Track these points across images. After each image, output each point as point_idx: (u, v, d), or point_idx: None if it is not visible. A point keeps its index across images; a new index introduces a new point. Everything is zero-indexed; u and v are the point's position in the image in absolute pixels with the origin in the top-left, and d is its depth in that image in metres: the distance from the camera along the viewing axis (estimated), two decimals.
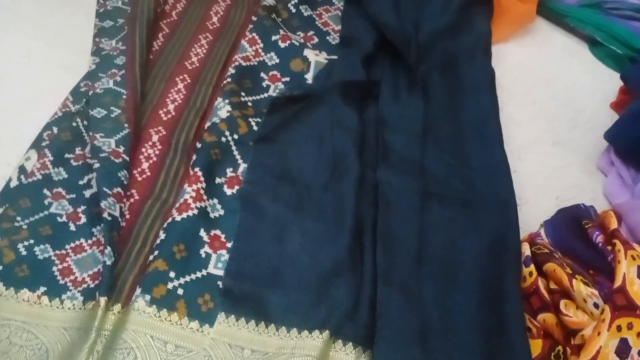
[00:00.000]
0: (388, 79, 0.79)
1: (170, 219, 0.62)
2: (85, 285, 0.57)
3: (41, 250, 0.59)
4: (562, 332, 0.54)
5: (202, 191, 0.65)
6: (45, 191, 0.64)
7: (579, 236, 0.60)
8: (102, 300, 0.54)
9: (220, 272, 0.59)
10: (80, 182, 0.65)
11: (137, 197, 0.66)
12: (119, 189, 0.64)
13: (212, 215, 0.64)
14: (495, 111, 0.74)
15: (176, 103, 0.77)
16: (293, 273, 0.59)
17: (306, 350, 0.53)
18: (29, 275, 0.57)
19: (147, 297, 0.56)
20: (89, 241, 0.61)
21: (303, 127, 0.73)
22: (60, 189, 0.64)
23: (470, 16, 0.87)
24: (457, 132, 0.71)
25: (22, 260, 0.58)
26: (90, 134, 0.68)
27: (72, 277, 0.58)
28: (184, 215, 0.62)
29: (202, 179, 0.66)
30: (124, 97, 0.73)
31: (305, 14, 0.90)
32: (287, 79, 0.81)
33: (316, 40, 0.87)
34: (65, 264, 0.58)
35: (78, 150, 0.68)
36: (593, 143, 0.75)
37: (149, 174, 0.68)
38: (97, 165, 0.64)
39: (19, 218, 0.61)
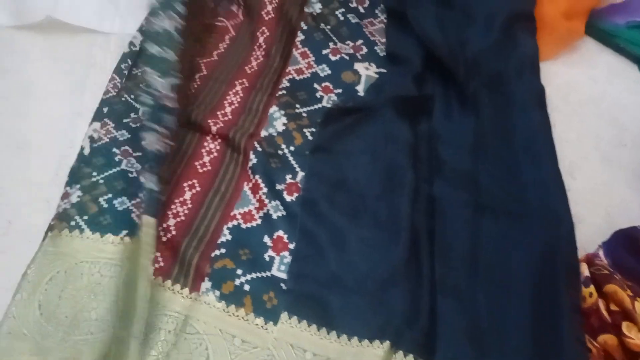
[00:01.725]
0: (439, 95, 0.81)
1: (235, 222, 0.66)
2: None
3: (119, 202, 0.66)
4: (624, 354, 0.55)
5: (264, 197, 0.69)
6: (115, 149, 0.72)
7: (638, 258, 0.61)
8: (152, 220, 0.62)
9: (283, 275, 0.63)
10: (143, 142, 0.71)
11: (198, 189, 0.71)
12: (162, 129, 0.70)
13: (274, 216, 0.68)
14: (546, 127, 0.75)
15: (233, 106, 0.81)
16: (351, 278, 0.62)
17: (367, 359, 0.55)
18: (112, 222, 0.64)
19: (217, 292, 0.61)
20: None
21: (357, 140, 0.76)
22: (127, 147, 0.72)
23: (515, 34, 0.88)
24: (509, 149, 0.73)
25: (105, 212, 0.65)
26: (146, 68, 0.73)
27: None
28: (249, 225, 0.66)
29: (262, 185, 0.70)
30: (181, 47, 0.77)
31: (353, 22, 0.93)
32: (340, 90, 0.84)
33: (365, 50, 0.90)
34: (141, 210, 0.65)
35: (133, 115, 0.76)
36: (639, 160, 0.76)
37: (209, 167, 0.73)
38: (149, 100, 0.71)
39: (94, 173, 0.69)
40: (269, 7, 0.92)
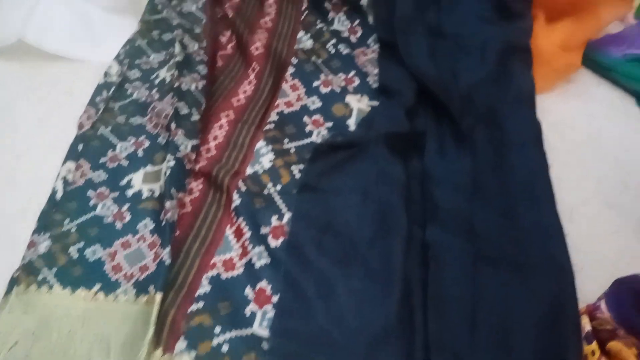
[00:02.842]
0: (432, 131, 0.78)
1: (215, 271, 0.62)
2: (135, 279, 0.61)
3: (92, 251, 0.64)
4: None
5: (247, 243, 0.64)
6: (90, 193, 0.68)
7: None
8: (158, 296, 0.58)
9: (265, 332, 0.58)
10: (121, 183, 0.69)
11: (177, 232, 0.66)
12: (182, 195, 0.67)
13: (257, 265, 0.64)
14: (544, 168, 0.72)
15: (218, 141, 0.77)
16: (340, 334, 0.57)
17: None
18: (83, 274, 0.61)
19: (193, 353, 0.56)
20: (135, 236, 0.65)
21: (347, 178, 0.72)
22: (103, 188, 0.70)
23: (510, 67, 0.85)
24: (506, 191, 0.70)
25: (75, 263, 0.61)
26: (173, 126, 0.73)
27: (123, 273, 0.61)
28: (229, 275, 0.62)
29: (245, 229, 0.66)
30: (202, 107, 0.78)
31: (344, 53, 0.90)
32: (330, 124, 0.80)
33: (357, 82, 0.87)
34: (115, 262, 0.63)
35: (110, 153, 0.74)
36: None
37: (190, 208, 0.69)
38: (172, 163, 0.69)
39: (67, 220, 0.65)
40: (258, 44, 0.89)
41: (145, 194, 0.69)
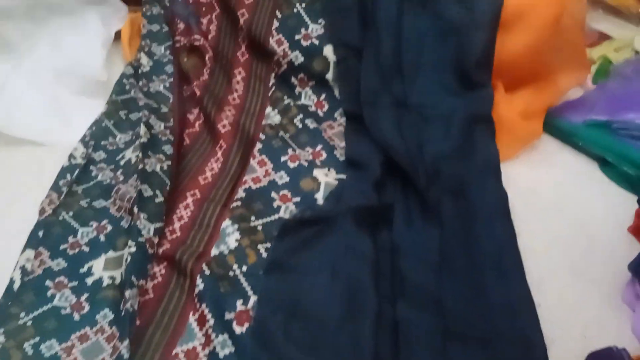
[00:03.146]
0: (400, 203, 0.78)
1: None
2: None
3: (47, 347, 0.61)
4: None
5: (210, 331, 0.62)
6: (48, 283, 0.66)
7: None
8: None
9: None
10: (81, 271, 0.67)
11: (138, 322, 0.64)
12: (143, 282, 0.65)
13: (221, 354, 0.61)
14: (512, 240, 0.72)
15: (183, 221, 0.77)
16: None
17: None
18: None
19: None
20: (94, 329, 0.63)
21: (315, 255, 0.71)
22: (62, 278, 0.68)
23: (474, 137, 0.87)
24: (474, 264, 0.69)
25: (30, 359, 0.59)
26: (136, 210, 0.71)
27: None
28: None
29: (209, 316, 0.64)
30: (167, 188, 0.77)
31: (311, 127, 0.91)
32: (298, 199, 0.80)
33: (324, 156, 0.87)
34: (71, 356, 0.60)
35: (71, 239, 0.72)
36: (613, 272, 0.72)
37: (152, 295, 0.67)
38: (133, 249, 0.67)
39: (22, 314, 0.63)
40: (225, 121, 0.90)
41: (105, 282, 0.67)
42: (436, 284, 0.68)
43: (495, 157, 0.84)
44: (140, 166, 0.77)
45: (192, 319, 0.64)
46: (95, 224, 0.74)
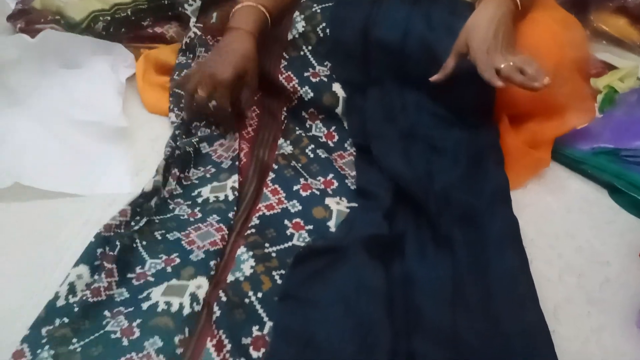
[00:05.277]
0: (411, 233, 0.79)
1: None
2: None
3: None
4: None
5: (227, 355, 0.63)
6: (106, 312, 0.67)
7: None
8: None
9: None
10: (140, 297, 0.68)
11: None
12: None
13: None
14: (524, 267, 0.72)
15: None
16: None
17: None
18: None
19: None
20: (140, 354, 0.62)
21: (328, 288, 0.70)
22: (121, 308, 0.68)
23: (483, 165, 0.88)
24: (487, 295, 0.69)
25: None
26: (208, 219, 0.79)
27: None
28: None
29: (226, 342, 0.64)
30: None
31: (322, 156, 0.93)
32: (311, 226, 0.81)
33: (336, 184, 0.89)
34: None
35: (139, 270, 0.73)
36: (628, 300, 0.72)
37: None
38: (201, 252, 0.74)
39: (74, 340, 0.64)
40: (241, 154, 0.93)
41: (160, 307, 0.68)
42: (452, 318, 0.67)
43: (504, 184, 0.85)
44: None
45: (209, 345, 0.64)
46: (164, 257, 0.75)
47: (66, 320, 0.66)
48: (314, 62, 0.98)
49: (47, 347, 0.63)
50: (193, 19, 1.16)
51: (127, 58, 1.14)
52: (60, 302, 0.68)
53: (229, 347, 0.64)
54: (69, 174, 0.89)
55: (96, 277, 0.71)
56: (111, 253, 0.73)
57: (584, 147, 0.96)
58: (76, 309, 0.67)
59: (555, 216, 0.85)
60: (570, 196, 0.89)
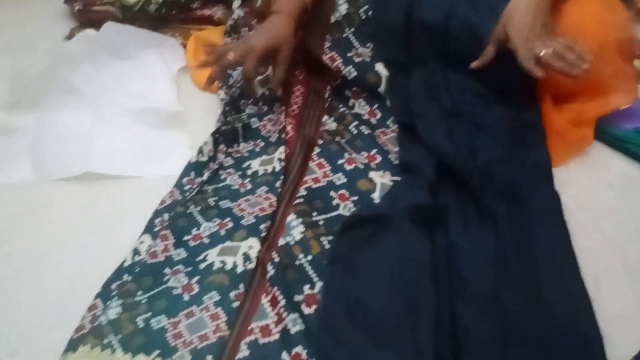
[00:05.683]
0: (455, 207, 0.81)
1: (253, 338, 0.64)
2: (192, 346, 0.64)
3: (157, 321, 0.67)
4: None
5: (282, 310, 0.67)
6: (167, 270, 0.73)
7: None
8: None
9: None
10: (198, 259, 0.74)
11: None
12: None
13: (292, 330, 0.66)
14: (567, 240, 0.74)
15: None
16: None
17: None
18: (145, 342, 0.64)
19: None
20: (200, 307, 0.68)
21: (373, 257, 0.73)
22: (179, 266, 0.74)
23: (526, 142, 0.90)
24: (530, 268, 0.71)
25: (140, 331, 0.66)
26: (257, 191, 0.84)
27: (182, 340, 0.65)
28: (267, 340, 0.64)
29: (279, 298, 0.69)
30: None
31: (365, 133, 0.97)
32: (356, 198, 0.85)
33: (379, 159, 0.92)
34: (177, 330, 0.65)
35: (194, 232, 0.79)
36: None
37: None
38: (252, 217, 0.79)
39: (139, 293, 0.70)
40: (289, 128, 0.97)
41: (216, 266, 0.73)
42: (495, 288, 0.70)
43: (547, 160, 0.87)
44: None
45: (264, 300, 0.69)
46: (218, 221, 0.81)
47: (131, 277, 0.73)
48: (356, 43, 1.01)
49: (115, 297, 0.70)
50: (237, 2, 1.20)
51: (177, 50, 1.20)
52: (127, 263, 0.75)
53: (282, 302, 0.68)
54: (133, 159, 0.96)
55: (155, 242, 0.78)
56: (167, 221, 0.81)
57: (627, 126, 0.96)
58: (138, 269, 0.74)
59: (598, 193, 0.86)
60: (613, 174, 0.90)
